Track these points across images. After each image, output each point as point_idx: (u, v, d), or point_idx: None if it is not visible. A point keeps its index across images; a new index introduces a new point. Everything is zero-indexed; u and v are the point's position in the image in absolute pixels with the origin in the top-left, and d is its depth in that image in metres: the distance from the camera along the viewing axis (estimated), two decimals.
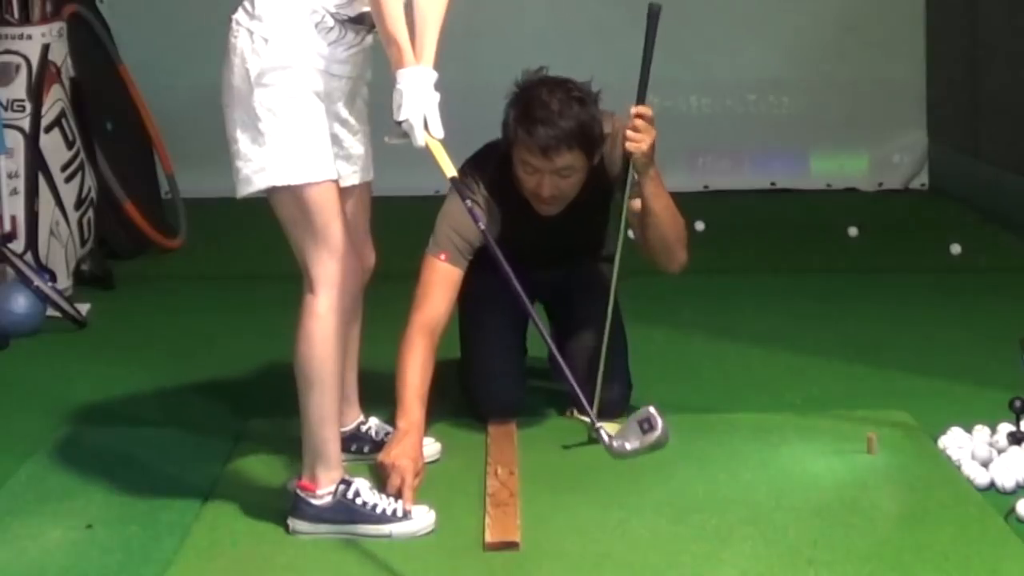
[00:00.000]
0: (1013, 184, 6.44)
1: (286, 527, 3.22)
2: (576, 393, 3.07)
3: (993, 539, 3.14)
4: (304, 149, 3.08)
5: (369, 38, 3.19)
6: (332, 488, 3.19)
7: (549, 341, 3.21)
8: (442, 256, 3.57)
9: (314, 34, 3.09)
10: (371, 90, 3.31)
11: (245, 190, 3.17)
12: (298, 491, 3.21)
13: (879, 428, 3.72)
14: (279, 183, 3.10)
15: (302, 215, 3.11)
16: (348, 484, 3.20)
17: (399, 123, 3.05)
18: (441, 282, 3.58)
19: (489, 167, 3.66)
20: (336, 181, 3.14)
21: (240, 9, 3.13)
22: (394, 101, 3.05)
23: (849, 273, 5.81)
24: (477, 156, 3.72)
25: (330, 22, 3.09)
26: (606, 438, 2.98)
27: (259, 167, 3.11)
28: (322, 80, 3.11)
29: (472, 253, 3.60)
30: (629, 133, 3.55)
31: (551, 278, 3.98)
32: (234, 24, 3.12)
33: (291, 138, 3.08)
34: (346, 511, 3.18)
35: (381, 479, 3.33)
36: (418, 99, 3.02)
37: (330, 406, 3.20)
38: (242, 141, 3.12)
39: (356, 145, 3.30)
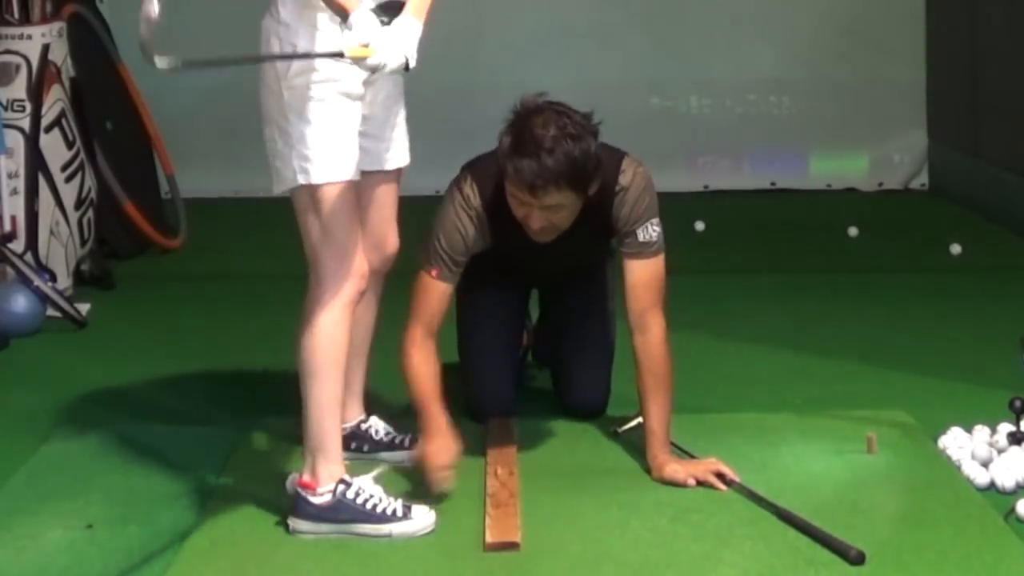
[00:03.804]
0: (1013, 184, 6.44)
1: (286, 527, 3.22)
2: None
3: (993, 539, 3.14)
4: (326, 150, 3.11)
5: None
6: (332, 486, 3.19)
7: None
8: (433, 272, 3.54)
9: (339, 34, 3.08)
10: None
11: (277, 188, 3.21)
12: (299, 489, 3.21)
13: (879, 428, 3.72)
14: (303, 183, 3.13)
15: (316, 211, 3.14)
16: (348, 484, 3.21)
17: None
18: (433, 300, 3.56)
19: (492, 179, 3.53)
20: (355, 181, 3.17)
21: (267, 15, 3.17)
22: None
23: (849, 273, 5.81)
24: (483, 161, 3.62)
25: None
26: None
27: (288, 166, 3.14)
28: (348, 78, 3.13)
29: (463, 265, 3.57)
30: (712, 479, 3.43)
31: (547, 279, 4.02)
32: (263, 31, 3.17)
33: (315, 140, 3.10)
34: (346, 510, 3.18)
35: (419, 478, 3.38)
36: (359, 34, 2.96)
37: (331, 397, 3.20)
38: (276, 142, 3.16)
39: (386, 130, 3.33)
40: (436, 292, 3.56)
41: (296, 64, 3.09)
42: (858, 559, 3.00)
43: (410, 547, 3.13)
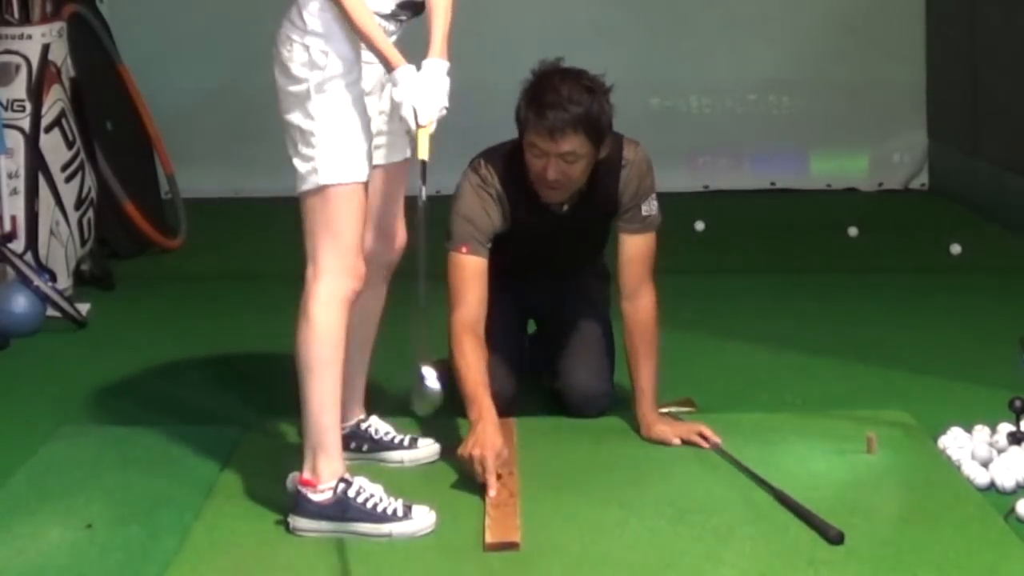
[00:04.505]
0: (1013, 184, 6.44)
1: (287, 525, 3.22)
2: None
3: (993, 539, 3.14)
4: (347, 151, 3.17)
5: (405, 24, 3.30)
6: (333, 483, 3.19)
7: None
8: (463, 249, 3.67)
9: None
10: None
11: (300, 187, 3.22)
12: (299, 487, 3.21)
13: (879, 428, 3.72)
14: (324, 182, 3.16)
15: (327, 209, 3.18)
16: (349, 483, 3.21)
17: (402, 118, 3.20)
18: (470, 277, 3.67)
19: (503, 158, 3.75)
20: (365, 183, 3.21)
21: (287, 23, 3.20)
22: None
23: (849, 273, 5.81)
24: (493, 148, 3.81)
25: (377, 21, 3.18)
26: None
27: (309, 166, 3.17)
28: (371, 77, 3.25)
29: (490, 240, 3.70)
30: (696, 439, 3.68)
31: (546, 290, 4.04)
32: (284, 38, 3.19)
33: (338, 140, 3.16)
34: (347, 509, 3.18)
35: (465, 473, 3.45)
36: (407, 95, 3.13)
37: (330, 393, 3.21)
38: (298, 144, 3.19)
39: (392, 122, 3.38)
40: (472, 268, 3.67)
41: (331, 72, 3.14)
42: (837, 539, 3.08)
43: (410, 547, 3.13)
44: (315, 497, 3.19)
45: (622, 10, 7.35)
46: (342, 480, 3.21)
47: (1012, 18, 6.46)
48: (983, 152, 6.90)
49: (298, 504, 3.21)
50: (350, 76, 3.18)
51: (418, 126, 3.13)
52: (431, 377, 3.12)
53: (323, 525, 3.19)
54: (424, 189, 3.17)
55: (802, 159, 7.67)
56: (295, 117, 3.18)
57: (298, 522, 3.21)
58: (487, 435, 3.44)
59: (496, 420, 3.51)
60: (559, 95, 3.55)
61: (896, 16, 7.52)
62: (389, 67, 3.14)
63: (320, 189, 3.16)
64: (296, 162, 3.20)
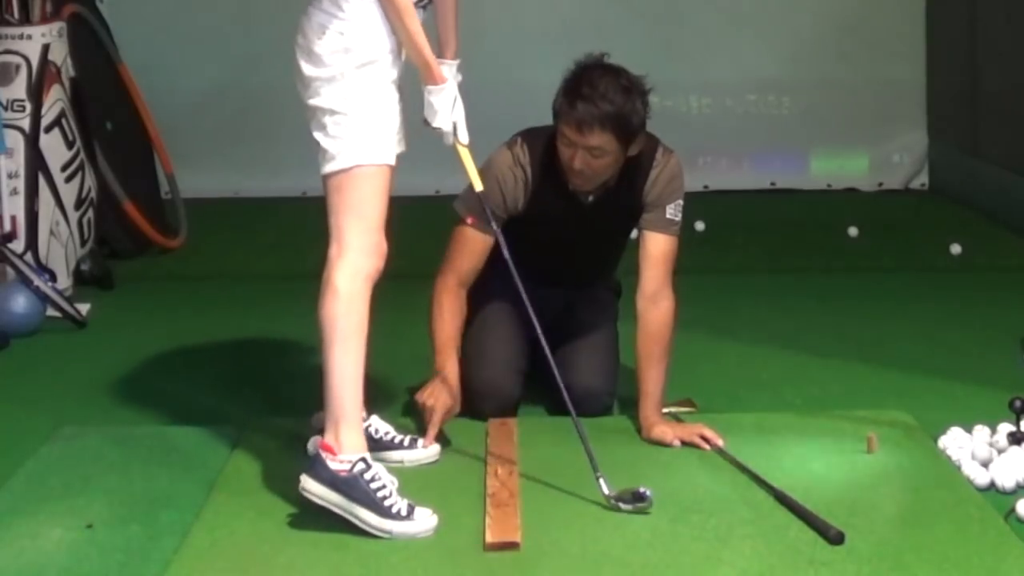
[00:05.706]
0: (1013, 184, 6.45)
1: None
2: (587, 447, 3.33)
3: (993, 539, 3.14)
4: (382, 134, 3.24)
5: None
6: (354, 459, 3.19)
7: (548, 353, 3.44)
8: (468, 220, 3.72)
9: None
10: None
11: (328, 167, 3.27)
12: (320, 451, 3.21)
13: (879, 428, 3.73)
14: (361, 162, 3.22)
15: (355, 189, 3.23)
16: (368, 466, 3.21)
17: (431, 126, 3.34)
18: (468, 250, 3.77)
19: (540, 140, 3.81)
20: (392, 167, 3.27)
21: (318, 12, 3.24)
22: (426, 110, 3.32)
23: (849, 273, 5.82)
24: (534, 128, 3.87)
25: None
26: (605, 490, 3.25)
27: (341, 147, 3.23)
28: (399, 64, 3.30)
29: (500, 221, 3.70)
30: (697, 440, 3.68)
31: (557, 302, 4.04)
32: (316, 26, 3.23)
33: (374, 123, 3.23)
34: (358, 489, 3.17)
35: (416, 417, 3.66)
36: (448, 112, 3.29)
37: (352, 366, 3.23)
38: (327, 126, 3.24)
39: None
40: (471, 240, 3.75)
41: (364, 58, 3.20)
42: (837, 539, 3.09)
43: (410, 547, 3.13)
44: (332, 464, 3.19)
45: (622, 10, 7.35)
46: (363, 460, 3.21)
47: (1012, 18, 6.47)
48: (983, 152, 6.90)
49: (314, 467, 3.21)
50: (385, 61, 3.23)
51: (458, 144, 3.27)
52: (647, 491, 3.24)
53: (331, 496, 3.18)
54: (498, 231, 3.34)
55: (802, 159, 7.67)
56: (324, 100, 3.22)
57: (308, 483, 3.20)
58: (447, 388, 3.64)
59: (456, 383, 3.67)
60: (594, 90, 3.59)
61: (896, 16, 7.52)
62: (431, 80, 3.25)
63: (349, 168, 3.20)
64: (325, 142, 3.24)
